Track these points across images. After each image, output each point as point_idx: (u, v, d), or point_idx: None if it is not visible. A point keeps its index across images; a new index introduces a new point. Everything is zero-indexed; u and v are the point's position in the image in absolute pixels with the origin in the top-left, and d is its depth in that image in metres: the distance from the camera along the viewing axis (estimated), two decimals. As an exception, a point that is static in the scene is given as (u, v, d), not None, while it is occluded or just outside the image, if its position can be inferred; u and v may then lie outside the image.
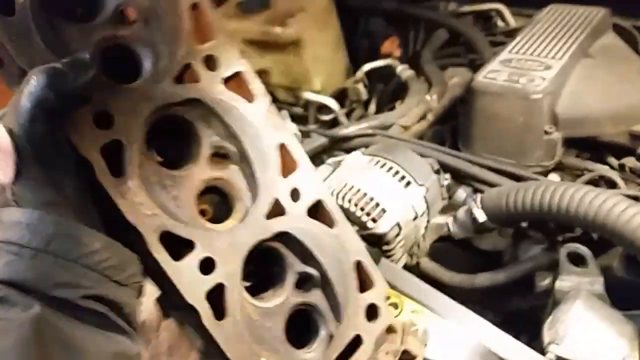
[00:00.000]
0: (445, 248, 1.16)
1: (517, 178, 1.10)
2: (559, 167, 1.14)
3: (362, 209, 1.02)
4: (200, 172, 0.62)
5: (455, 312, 0.89)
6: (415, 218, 1.06)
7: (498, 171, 1.12)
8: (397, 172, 1.07)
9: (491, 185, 1.12)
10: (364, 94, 1.63)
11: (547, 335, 0.94)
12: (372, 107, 1.67)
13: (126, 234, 0.53)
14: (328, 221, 0.69)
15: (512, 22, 1.62)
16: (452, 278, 1.06)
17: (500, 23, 1.64)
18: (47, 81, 0.46)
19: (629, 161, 1.08)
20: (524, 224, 1.14)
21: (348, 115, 1.63)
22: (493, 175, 1.11)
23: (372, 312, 0.68)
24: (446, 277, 1.06)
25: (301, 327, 0.67)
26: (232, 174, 0.65)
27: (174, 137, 0.63)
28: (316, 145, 1.32)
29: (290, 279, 0.66)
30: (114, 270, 0.50)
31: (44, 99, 0.46)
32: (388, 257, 1.03)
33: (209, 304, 0.56)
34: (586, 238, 1.06)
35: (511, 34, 1.51)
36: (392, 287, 0.93)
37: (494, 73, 1.13)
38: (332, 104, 1.56)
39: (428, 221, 1.10)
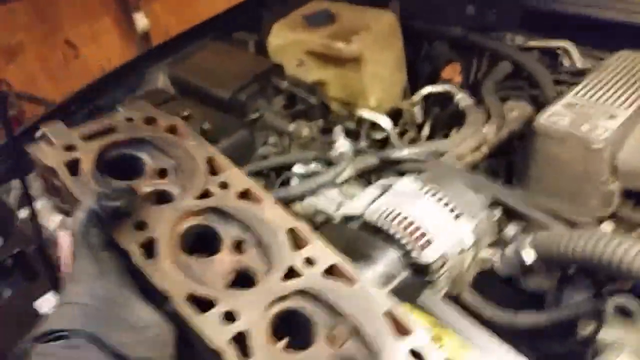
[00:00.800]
0: (488, 282, 1.15)
1: (571, 224, 1.08)
2: (613, 217, 1.12)
3: (410, 236, 1.03)
4: (224, 257, 0.78)
5: (496, 350, 0.89)
6: (462, 251, 1.06)
7: (551, 214, 1.10)
8: (447, 204, 1.08)
9: (543, 226, 1.10)
10: (419, 117, 1.64)
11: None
12: (426, 131, 1.67)
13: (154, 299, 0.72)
14: (347, 280, 0.75)
15: (579, 61, 1.59)
16: (494, 313, 1.05)
17: (566, 61, 1.62)
18: (99, 201, 0.72)
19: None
20: (571, 270, 1.13)
21: (400, 136, 1.63)
22: (546, 217, 1.10)
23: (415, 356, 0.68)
24: (488, 312, 1.06)
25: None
26: (251, 256, 0.79)
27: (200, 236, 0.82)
28: (367, 164, 1.33)
29: (322, 334, 0.70)
30: (162, 345, 0.68)
31: (96, 214, 0.72)
32: (431, 286, 1.04)
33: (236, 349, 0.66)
34: (636, 292, 1.04)
35: (576, 74, 1.49)
36: (435, 318, 0.94)
37: (557, 116, 1.12)
38: (386, 123, 1.57)
39: (475, 254, 1.10)
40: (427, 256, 1.02)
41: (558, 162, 1.11)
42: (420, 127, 1.68)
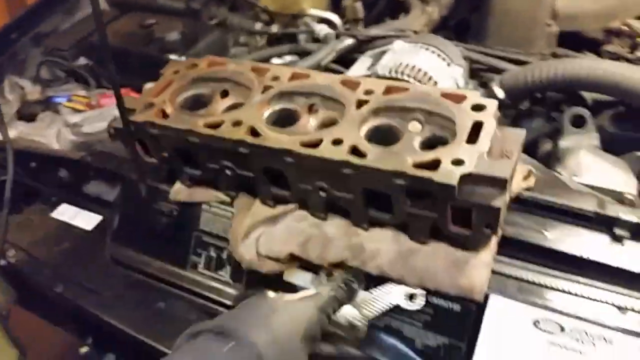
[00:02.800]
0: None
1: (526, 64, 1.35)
2: (553, 55, 1.42)
3: (419, 81, 1.22)
4: (305, 120, 0.93)
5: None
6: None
7: (511, 60, 1.36)
8: (439, 55, 1.28)
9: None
10: (360, 13, 1.81)
11: (565, 172, 1.22)
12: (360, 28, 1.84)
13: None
14: (402, 91, 0.92)
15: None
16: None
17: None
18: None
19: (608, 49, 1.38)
20: (525, 104, 1.41)
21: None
22: (506, 63, 1.36)
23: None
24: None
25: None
26: (325, 111, 0.95)
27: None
28: (346, 45, 1.48)
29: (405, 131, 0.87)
30: None
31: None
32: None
33: None
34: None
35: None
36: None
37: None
38: (335, 18, 1.71)
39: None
40: (436, 95, 1.22)
41: (512, 13, 1.36)
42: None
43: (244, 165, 0.92)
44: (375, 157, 0.79)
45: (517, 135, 0.84)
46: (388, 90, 0.91)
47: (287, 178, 0.89)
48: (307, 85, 0.96)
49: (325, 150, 0.82)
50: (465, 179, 0.74)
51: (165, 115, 0.97)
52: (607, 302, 0.82)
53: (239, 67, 1.04)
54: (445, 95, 0.88)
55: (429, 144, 0.84)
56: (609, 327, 0.79)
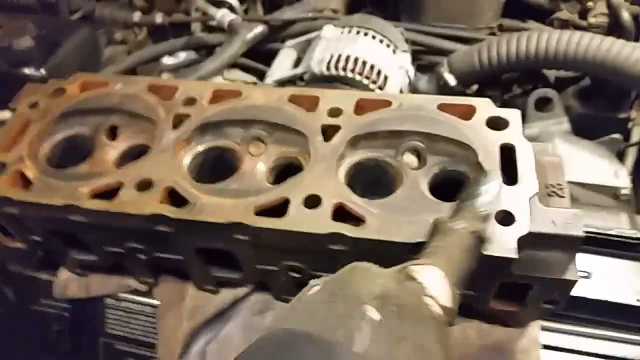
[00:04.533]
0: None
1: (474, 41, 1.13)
2: (500, 28, 1.21)
3: (367, 78, 0.95)
4: (250, 163, 0.63)
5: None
6: (409, 82, 1.03)
7: (456, 38, 1.14)
8: (382, 41, 1.02)
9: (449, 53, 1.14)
10: (258, -11, 1.49)
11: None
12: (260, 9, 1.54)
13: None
14: (384, 103, 0.66)
15: None
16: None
17: None
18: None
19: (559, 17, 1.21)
20: (474, 87, 1.20)
21: (245, 12, 1.46)
22: (451, 44, 1.14)
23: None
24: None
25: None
26: (277, 146, 0.65)
27: None
28: (256, 34, 1.17)
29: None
30: None
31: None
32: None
33: None
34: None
35: None
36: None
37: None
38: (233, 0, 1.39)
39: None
40: (390, 91, 0.96)
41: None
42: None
43: (164, 246, 0.60)
44: (379, 221, 0.52)
45: (553, 156, 0.61)
46: (360, 107, 0.64)
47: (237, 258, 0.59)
48: (242, 109, 0.65)
49: (299, 219, 0.53)
50: (523, 241, 0.49)
51: (26, 181, 0.62)
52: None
53: (130, 88, 0.70)
54: (444, 106, 0.63)
55: (442, 183, 0.58)
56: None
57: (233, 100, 0.67)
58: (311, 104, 0.65)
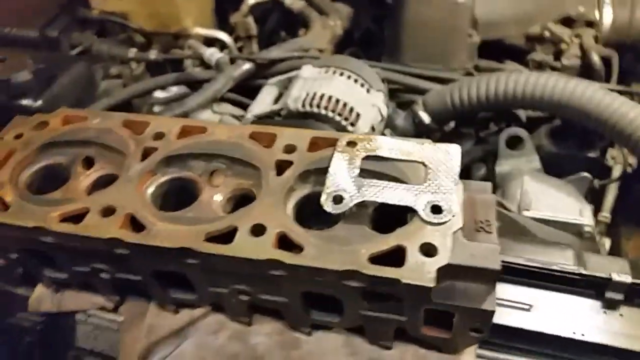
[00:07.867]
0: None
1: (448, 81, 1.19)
2: (476, 69, 1.27)
3: (339, 115, 1.01)
4: (208, 194, 0.68)
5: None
6: (382, 120, 1.09)
7: (431, 78, 1.20)
8: (356, 80, 1.08)
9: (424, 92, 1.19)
10: (253, 29, 1.57)
11: (511, 205, 1.07)
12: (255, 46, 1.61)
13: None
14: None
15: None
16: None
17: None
18: None
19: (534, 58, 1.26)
20: (451, 125, 1.26)
21: (239, 50, 1.54)
22: (427, 83, 1.20)
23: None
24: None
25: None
26: (233, 178, 0.70)
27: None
28: (243, 71, 1.24)
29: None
30: None
31: None
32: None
33: None
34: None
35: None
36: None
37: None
38: (225, 37, 1.47)
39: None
40: (360, 129, 1.02)
41: (429, 24, 1.19)
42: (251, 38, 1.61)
43: (125, 267, 0.66)
44: (316, 250, 0.57)
45: (485, 193, 0.65)
46: (314, 145, 0.69)
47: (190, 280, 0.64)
48: (205, 144, 0.71)
49: (243, 246, 0.58)
50: (443, 271, 0.53)
51: (4, 205, 0.68)
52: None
53: (106, 123, 0.76)
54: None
55: (384, 214, 0.63)
56: None
57: (198, 136, 0.72)
58: (269, 141, 0.70)
